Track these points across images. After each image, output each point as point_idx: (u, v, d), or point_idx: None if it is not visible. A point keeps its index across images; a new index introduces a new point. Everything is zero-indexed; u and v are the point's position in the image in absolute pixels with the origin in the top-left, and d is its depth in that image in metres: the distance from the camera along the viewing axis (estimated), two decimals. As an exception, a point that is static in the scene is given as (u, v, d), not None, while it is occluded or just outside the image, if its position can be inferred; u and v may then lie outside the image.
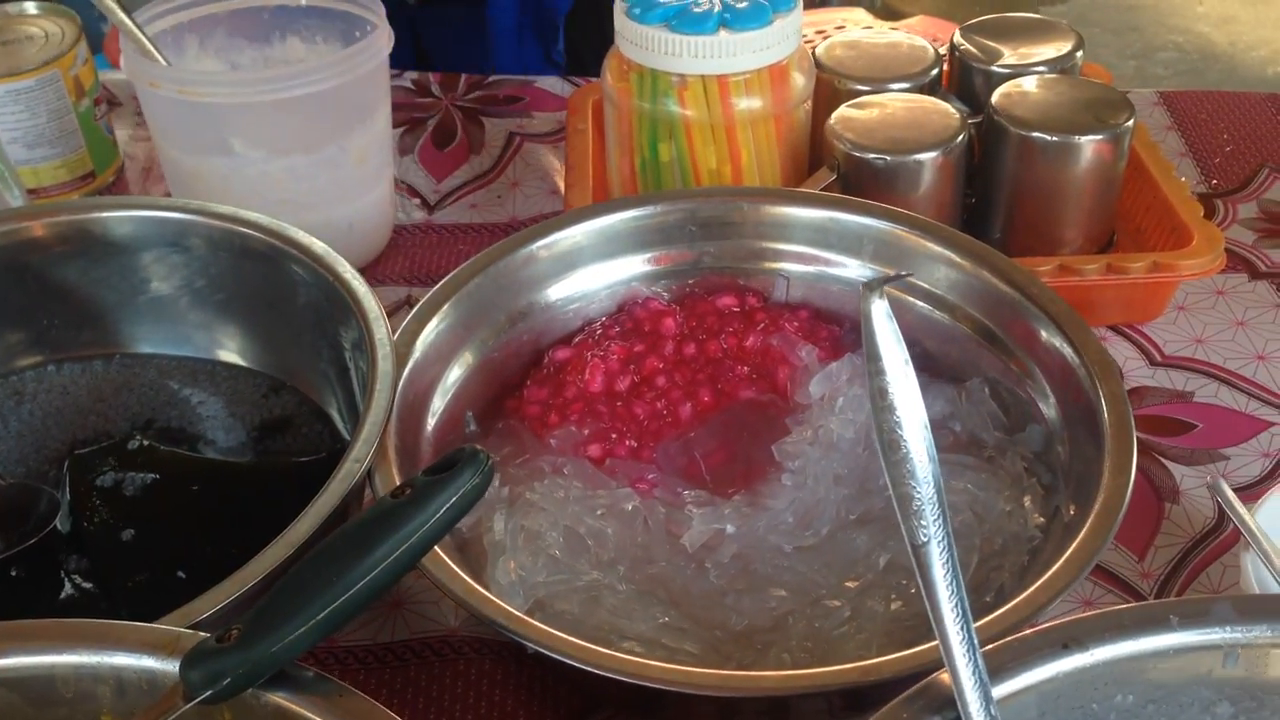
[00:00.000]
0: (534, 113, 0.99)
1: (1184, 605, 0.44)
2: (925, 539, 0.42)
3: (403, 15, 1.10)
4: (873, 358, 0.43)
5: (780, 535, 0.57)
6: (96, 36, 1.01)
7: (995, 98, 0.77)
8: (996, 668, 0.43)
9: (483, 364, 0.65)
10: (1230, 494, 0.55)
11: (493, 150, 0.96)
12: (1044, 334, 0.61)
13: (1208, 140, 0.94)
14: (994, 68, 0.82)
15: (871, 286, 0.43)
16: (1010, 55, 0.83)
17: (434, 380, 0.61)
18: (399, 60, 0.92)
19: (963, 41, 0.84)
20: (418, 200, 0.92)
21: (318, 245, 0.63)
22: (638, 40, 0.73)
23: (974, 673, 0.41)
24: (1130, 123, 0.75)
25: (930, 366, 0.66)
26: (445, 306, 0.62)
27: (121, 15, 0.77)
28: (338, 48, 0.83)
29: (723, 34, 0.72)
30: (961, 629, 0.42)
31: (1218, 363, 0.75)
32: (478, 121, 0.99)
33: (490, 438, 0.63)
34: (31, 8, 0.92)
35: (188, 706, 0.42)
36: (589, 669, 0.47)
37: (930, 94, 0.81)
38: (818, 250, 0.68)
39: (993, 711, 0.41)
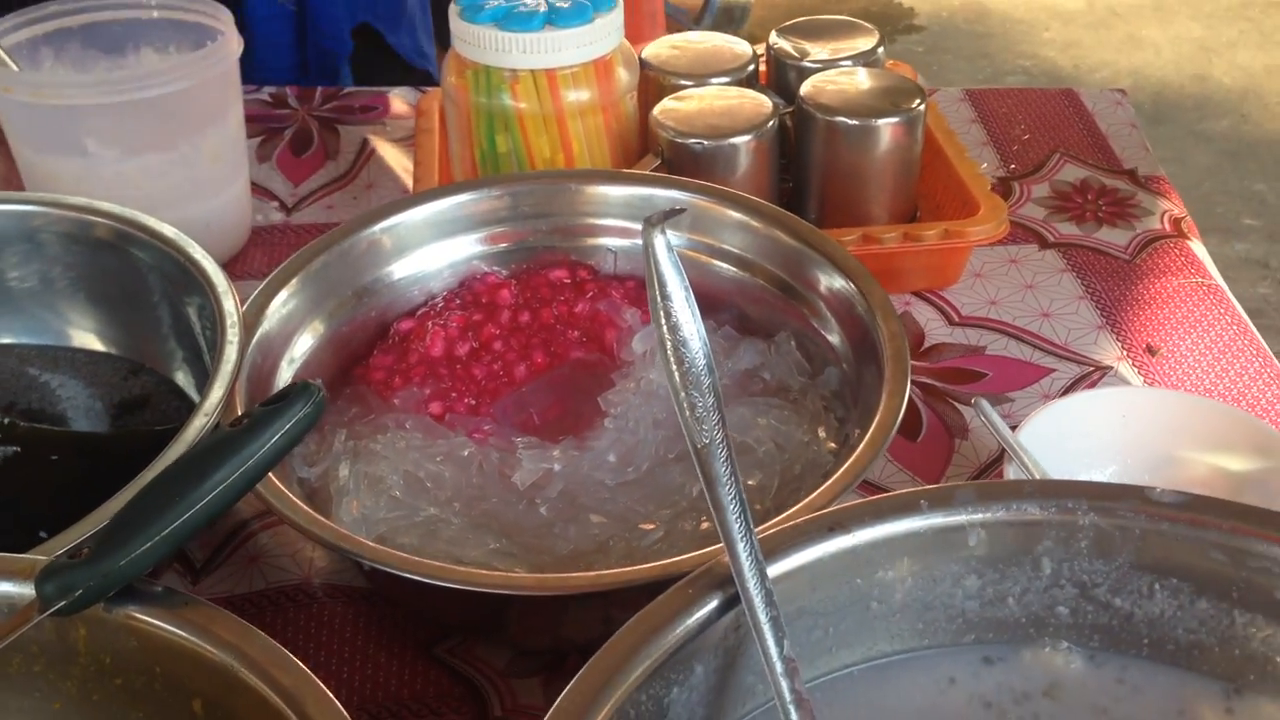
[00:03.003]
0: (386, 120, 1.04)
1: (932, 492, 0.51)
2: (707, 441, 0.49)
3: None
4: (658, 284, 0.49)
5: (603, 472, 0.63)
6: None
7: (804, 88, 0.85)
8: (771, 550, 0.49)
9: (332, 336, 0.70)
10: (992, 413, 0.63)
11: (348, 155, 1.01)
12: (832, 281, 0.68)
13: (1006, 131, 1.03)
14: (805, 63, 0.90)
15: (653, 222, 0.49)
16: (821, 51, 0.91)
17: (282, 348, 0.66)
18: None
19: (778, 40, 0.92)
20: (275, 203, 0.96)
21: (167, 229, 0.67)
22: (471, 40, 0.79)
23: (750, 553, 0.47)
24: (921, 106, 0.83)
25: (745, 325, 0.73)
26: (292, 282, 0.67)
27: (-26, 26, 0.81)
28: (190, 57, 0.88)
29: (548, 31, 0.78)
30: (739, 517, 0.48)
31: (1009, 320, 0.83)
32: (333, 129, 1.04)
33: (339, 401, 0.68)
34: (-113, 26, 0.95)
35: (42, 617, 0.46)
36: (421, 579, 0.52)
37: (748, 88, 0.88)
38: (635, 224, 0.75)
39: (767, 585, 0.47)
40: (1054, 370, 0.79)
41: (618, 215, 0.75)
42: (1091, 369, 0.79)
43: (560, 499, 0.62)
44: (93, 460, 0.66)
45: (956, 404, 0.76)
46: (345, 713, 0.43)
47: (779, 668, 0.46)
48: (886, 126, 0.82)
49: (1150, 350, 0.80)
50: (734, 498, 0.48)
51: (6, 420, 0.67)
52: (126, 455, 0.66)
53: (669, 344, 0.48)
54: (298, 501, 0.56)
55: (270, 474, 0.57)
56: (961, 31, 3.71)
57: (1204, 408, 0.66)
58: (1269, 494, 0.63)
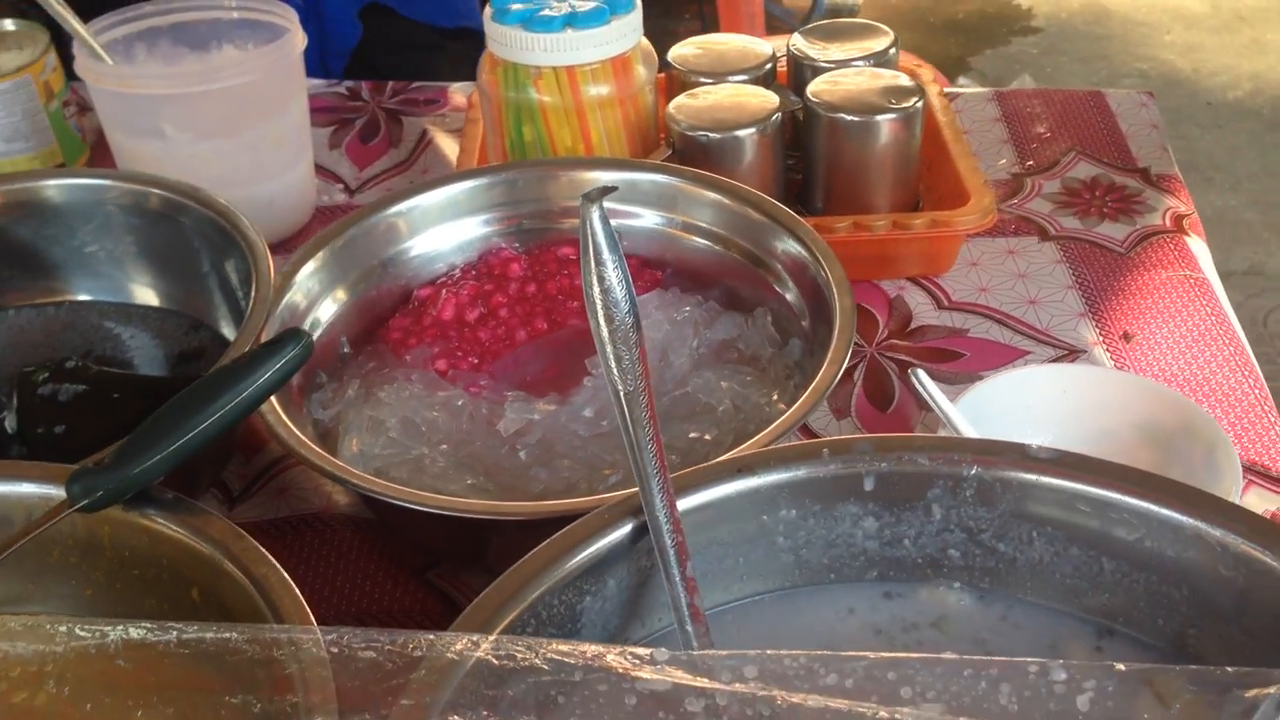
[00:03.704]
0: (446, 112, 1.14)
1: (834, 442, 0.57)
2: (631, 389, 0.56)
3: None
4: (594, 252, 0.56)
5: (579, 424, 0.71)
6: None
7: (811, 86, 0.91)
8: (683, 486, 0.56)
9: (357, 302, 0.79)
10: (927, 381, 0.69)
11: (409, 143, 1.11)
12: (802, 259, 0.75)
13: (1027, 129, 1.08)
14: (820, 63, 0.96)
15: (591, 198, 0.56)
16: (836, 52, 0.97)
17: (308, 310, 0.75)
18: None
19: (797, 41, 0.99)
20: (340, 185, 1.06)
21: (216, 201, 0.77)
22: (501, 39, 0.88)
23: (660, 487, 0.54)
24: (919, 104, 0.89)
25: (731, 300, 0.80)
26: (319, 254, 0.77)
27: (74, 24, 0.92)
28: (265, 52, 0.98)
29: (569, 32, 0.87)
30: (653, 456, 0.55)
31: (995, 306, 0.88)
32: (398, 120, 1.13)
33: (359, 357, 0.78)
34: (9, 24, 1.07)
35: (69, 512, 0.56)
36: (389, 500, 0.60)
37: (765, 86, 0.95)
38: (640, 207, 0.82)
39: (675, 515, 0.54)
40: (1029, 353, 0.84)
41: (624, 199, 0.83)
42: (1066, 352, 0.84)
43: (538, 446, 0.70)
44: (148, 399, 0.76)
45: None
46: (300, 595, 0.52)
47: (679, 585, 0.54)
48: (885, 122, 0.88)
49: (1125, 337, 0.85)
50: (650, 438, 0.55)
51: (79, 363, 0.78)
52: (175, 393, 0.76)
53: (599, 304, 0.55)
54: (304, 438, 0.65)
55: (287, 415, 0.67)
56: (1080, 33, 3.68)
57: (1138, 386, 0.71)
58: (1192, 466, 0.67)
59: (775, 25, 3.32)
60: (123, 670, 0.49)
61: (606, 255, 0.56)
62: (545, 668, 0.48)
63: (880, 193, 0.91)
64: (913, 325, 0.87)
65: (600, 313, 0.55)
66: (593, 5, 0.87)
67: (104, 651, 0.49)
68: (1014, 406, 0.71)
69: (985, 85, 3.34)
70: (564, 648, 0.48)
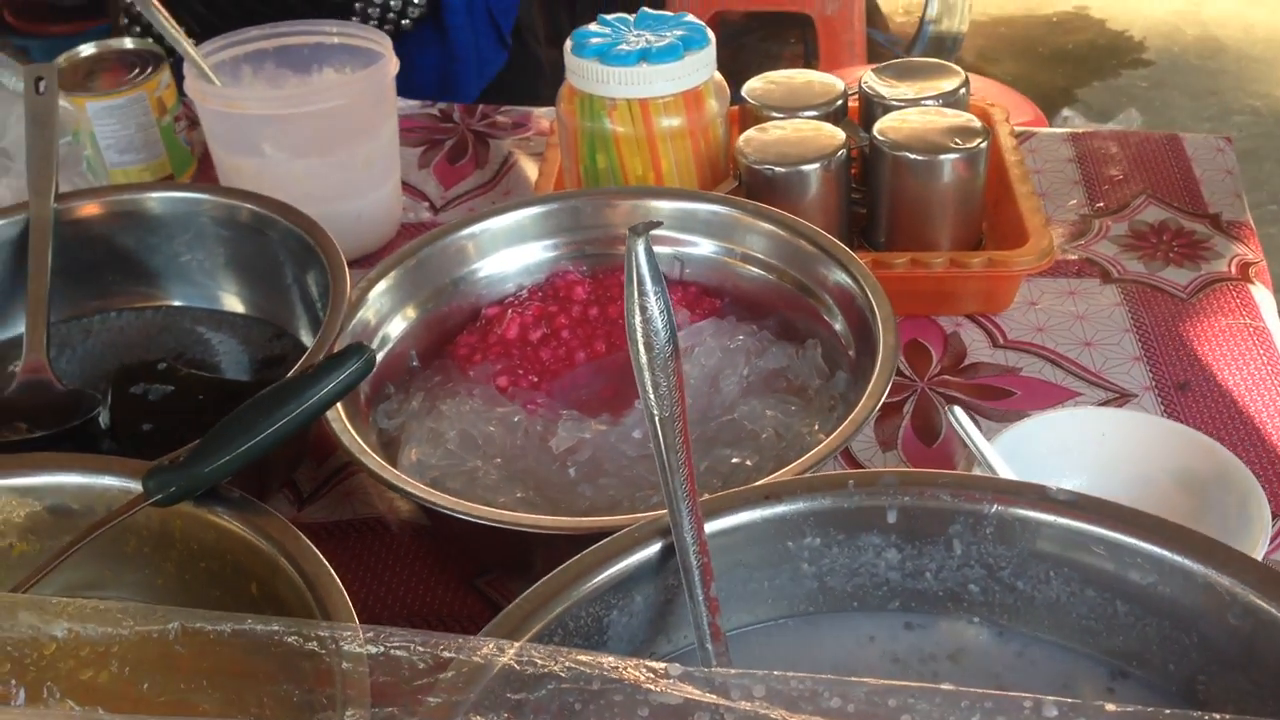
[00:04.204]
0: (530, 136, 1.18)
1: (860, 475, 0.60)
2: (666, 414, 0.59)
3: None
4: (638, 282, 0.59)
5: (627, 444, 0.74)
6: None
7: (878, 124, 0.93)
8: (712, 510, 0.59)
9: (429, 318, 0.83)
10: (963, 418, 0.71)
11: (494, 165, 1.15)
12: (844, 284, 0.77)
13: (1100, 171, 1.08)
14: (890, 101, 0.98)
15: (637, 231, 0.59)
16: (907, 91, 0.99)
17: (381, 322, 0.80)
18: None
19: (868, 79, 1.01)
20: (426, 203, 1.11)
21: (301, 216, 0.82)
22: (579, 71, 0.92)
23: (688, 509, 0.57)
24: (983, 145, 0.90)
25: (782, 331, 0.82)
26: (394, 271, 0.81)
27: (186, 46, 0.98)
28: (361, 77, 1.03)
29: (643, 66, 0.90)
30: (684, 479, 0.58)
31: (1050, 346, 0.89)
32: (485, 142, 1.18)
33: (427, 370, 0.82)
34: (129, 43, 1.14)
35: (144, 505, 0.60)
36: (439, 509, 0.64)
37: (835, 122, 0.97)
38: (701, 238, 0.85)
39: (702, 537, 0.57)
40: (1080, 394, 0.85)
41: (684, 228, 0.86)
42: (1116, 395, 0.84)
43: (588, 463, 0.73)
44: (229, 402, 0.81)
45: (975, 416, 0.84)
46: (345, 594, 0.56)
47: (702, 604, 0.56)
48: (947, 161, 0.90)
49: (1181, 386, 0.85)
50: (681, 463, 0.58)
51: (169, 365, 0.83)
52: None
53: (639, 332, 0.59)
54: (366, 446, 0.69)
55: (353, 424, 0.71)
56: (1192, 67, 3.61)
57: (1176, 433, 0.72)
58: (1225, 515, 0.68)
59: (879, 53, 3.33)
60: (179, 655, 0.53)
61: (649, 286, 0.59)
62: (565, 675, 0.51)
63: (942, 230, 0.93)
64: (966, 362, 0.88)
65: (640, 341, 0.58)
66: (668, 41, 0.91)
67: (164, 637, 0.54)
68: (1053, 448, 0.72)
69: (1090, 118, 3.31)
70: (584, 658, 0.52)
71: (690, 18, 0.95)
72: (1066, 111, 3.34)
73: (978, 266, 0.88)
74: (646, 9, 0.96)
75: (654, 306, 0.59)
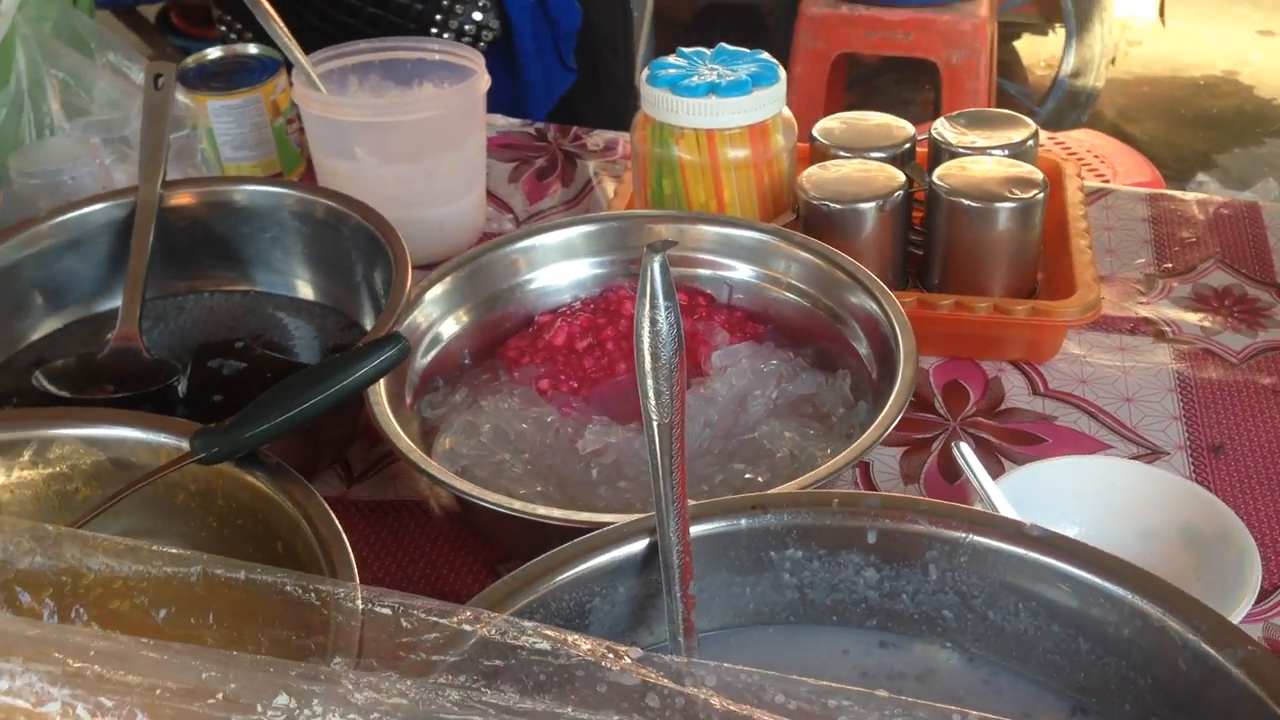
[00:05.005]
0: (617, 160, 1.23)
1: (845, 495, 0.62)
2: (666, 421, 0.63)
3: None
4: (650, 296, 0.63)
5: (649, 453, 0.78)
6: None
7: (938, 170, 0.96)
8: (699, 514, 0.62)
9: (483, 321, 0.88)
10: (970, 455, 0.73)
11: (578, 184, 1.20)
12: (875, 318, 0.80)
13: (1172, 232, 1.08)
14: (957, 148, 1.01)
15: (654, 248, 0.63)
16: (976, 139, 1.01)
17: (434, 322, 0.85)
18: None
19: (939, 126, 1.03)
20: (510, 216, 1.17)
21: (373, 214, 0.89)
22: (652, 100, 0.96)
23: (675, 511, 0.61)
24: (1039, 197, 0.92)
25: (818, 359, 0.85)
26: (450, 277, 0.86)
27: (298, 54, 1.06)
28: (458, 92, 1.10)
29: (711, 98, 0.94)
30: (674, 484, 0.61)
31: (1090, 399, 0.90)
32: (573, 162, 1.24)
33: (476, 368, 0.87)
34: (252, 48, 1.23)
35: (189, 461, 0.66)
36: (458, 492, 0.69)
37: (901, 165, 1.00)
38: (749, 265, 0.89)
39: (686, 538, 0.60)
40: (1110, 447, 0.86)
41: (736, 255, 0.90)
42: (1148, 452, 0.85)
43: (610, 467, 0.77)
44: (294, 382, 0.87)
45: (1003, 460, 0.85)
46: (351, 555, 0.61)
47: (678, 599, 0.60)
48: (1001, 210, 0.92)
49: (1216, 448, 0.85)
50: (675, 467, 0.62)
51: (246, 345, 0.90)
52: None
53: (647, 341, 0.62)
54: (401, 432, 0.74)
55: (398, 412, 0.77)
56: (1345, 136, 3.51)
57: (1181, 488, 0.73)
58: (1222, 571, 0.69)
59: (1010, 103, 3.31)
60: (196, 595, 0.59)
61: (661, 300, 0.63)
62: (532, 649, 0.55)
63: (994, 276, 0.94)
64: (1003, 406, 0.90)
65: (647, 350, 0.62)
66: (738, 76, 0.95)
67: (186, 578, 0.59)
68: (1062, 493, 0.74)
69: (1228, 185, 3.23)
70: (551, 633, 0.55)
71: (765, 55, 0.99)
72: (1202, 176, 3.28)
73: (1021, 314, 0.90)
74: (725, 45, 1.00)
75: (664, 320, 0.62)
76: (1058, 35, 3.38)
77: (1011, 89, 3.32)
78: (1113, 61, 3.55)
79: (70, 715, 0.51)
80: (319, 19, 1.37)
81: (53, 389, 0.84)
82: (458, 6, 1.40)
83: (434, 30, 1.39)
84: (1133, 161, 2.21)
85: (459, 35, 1.40)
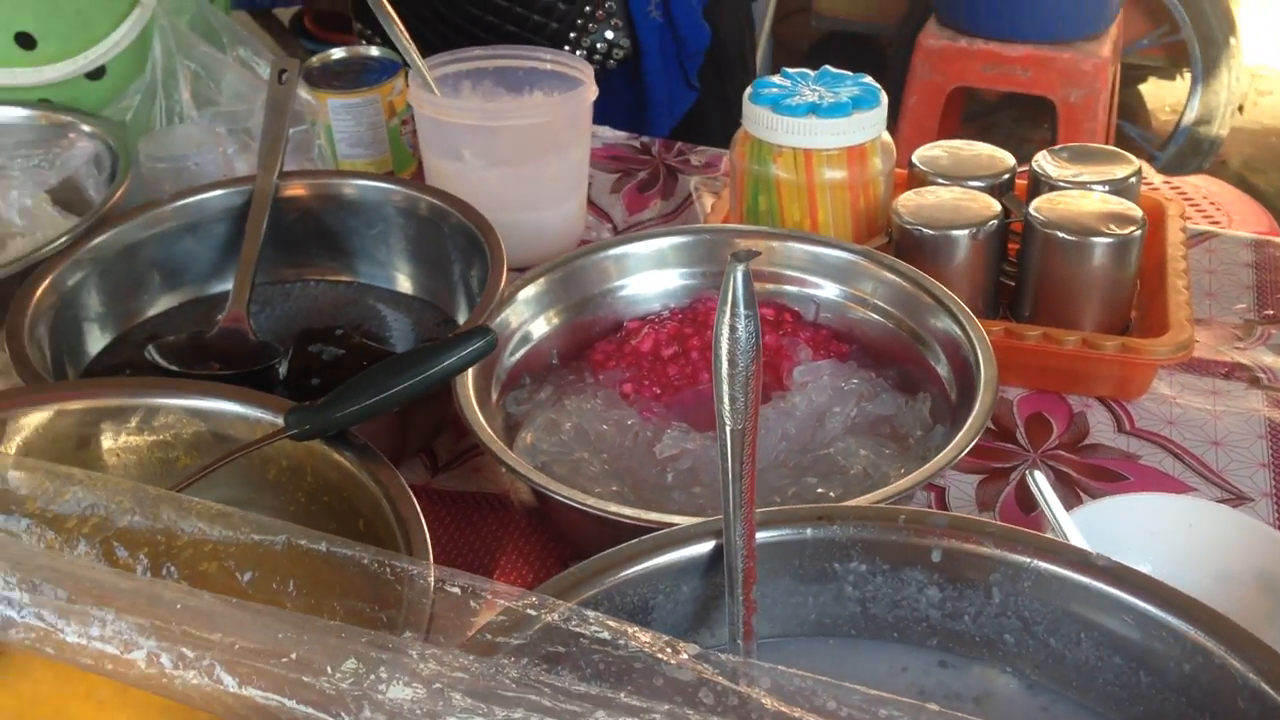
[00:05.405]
0: (717, 176, 1.25)
1: (911, 512, 0.63)
2: (739, 427, 0.64)
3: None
4: (731, 304, 0.64)
5: (726, 461, 0.79)
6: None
7: (1035, 202, 0.96)
8: (765, 521, 0.63)
9: (574, 323, 0.90)
10: (1044, 484, 0.72)
11: (677, 198, 1.22)
12: (959, 344, 0.80)
13: (1276, 280, 1.07)
14: (1057, 181, 1.00)
15: (739, 258, 0.65)
16: (1078, 173, 1.01)
17: (524, 322, 0.87)
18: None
19: (1040, 159, 1.03)
20: (609, 225, 1.19)
21: (472, 211, 0.92)
22: (753, 117, 0.98)
23: (741, 516, 0.62)
24: (1135, 234, 0.91)
25: (900, 381, 0.86)
26: (542, 279, 0.89)
27: (415, 57, 1.09)
28: (568, 100, 1.13)
29: (810, 119, 0.96)
30: (743, 489, 0.62)
31: (1176, 440, 0.89)
32: (674, 176, 1.26)
33: (563, 369, 0.89)
34: (374, 51, 1.27)
35: (281, 437, 0.69)
36: (541, 489, 0.71)
37: (999, 195, 1.00)
38: (837, 284, 0.90)
39: (752, 543, 0.62)
40: (1194, 489, 0.85)
41: (824, 274, 0.91)
42: (1232, 497, 0.84)
43: (685, 472, 0.79)
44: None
45: (1083, 494, 0.85)
46: (427, 535, 0.63)
47: (740, 602, 0.61)
48: (1094, 245, 0.91)
49: (1303, 495, 0.84)
50: (744, 472, 0.63)
51: (345, 333, 0.93)
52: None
53: (725, 348, 0.64)
54: (486, 425, 0.76)
55: (483, 406, 0.79)
56: None
57: (1262, 533, 0.72)
58: (1297, 621, 0.68)
59: (1130, 145, 3.25)
60: (281, 562, 0.62)
61: (742, 309, 0.64)
62: (596, 636, 0.57)
63: (1085, 311, 0.94)
64: (1086, 441, 0.90)
65: (725, 357, 0.64)
66: (839, 98, 0.96)
67: (271, 546, 0.62)
68: (1137, 530, 0.73)
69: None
70: (613, 624, 0.57)
71: (868, 79, 1.00)
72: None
73: (1110, 350, 0.89)
74: (829, 67, 1.02)
75: (743, 328, 0.64)
76: (1184, 80, 3.31)
77: (1132, 131, 3.26)
78: (1240, 110, 3.47)
79: (154, 664, 0.54)
80: (456, 33, 1.42)
81: (163, 363, 0.88)
82: (591, 25, 1.45)
83: (566, 48, 1.44)
84: (1250, 210, 2.16)
85: (590, 53, 1.45)
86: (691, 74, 1.50)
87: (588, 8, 1.43)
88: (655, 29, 1.48)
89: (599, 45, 1.45)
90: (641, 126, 1.43)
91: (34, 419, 0.73)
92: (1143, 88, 3.67)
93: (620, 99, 1.47)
